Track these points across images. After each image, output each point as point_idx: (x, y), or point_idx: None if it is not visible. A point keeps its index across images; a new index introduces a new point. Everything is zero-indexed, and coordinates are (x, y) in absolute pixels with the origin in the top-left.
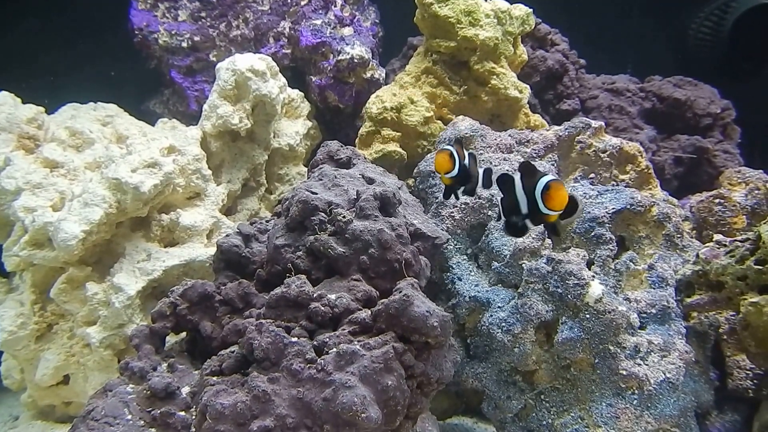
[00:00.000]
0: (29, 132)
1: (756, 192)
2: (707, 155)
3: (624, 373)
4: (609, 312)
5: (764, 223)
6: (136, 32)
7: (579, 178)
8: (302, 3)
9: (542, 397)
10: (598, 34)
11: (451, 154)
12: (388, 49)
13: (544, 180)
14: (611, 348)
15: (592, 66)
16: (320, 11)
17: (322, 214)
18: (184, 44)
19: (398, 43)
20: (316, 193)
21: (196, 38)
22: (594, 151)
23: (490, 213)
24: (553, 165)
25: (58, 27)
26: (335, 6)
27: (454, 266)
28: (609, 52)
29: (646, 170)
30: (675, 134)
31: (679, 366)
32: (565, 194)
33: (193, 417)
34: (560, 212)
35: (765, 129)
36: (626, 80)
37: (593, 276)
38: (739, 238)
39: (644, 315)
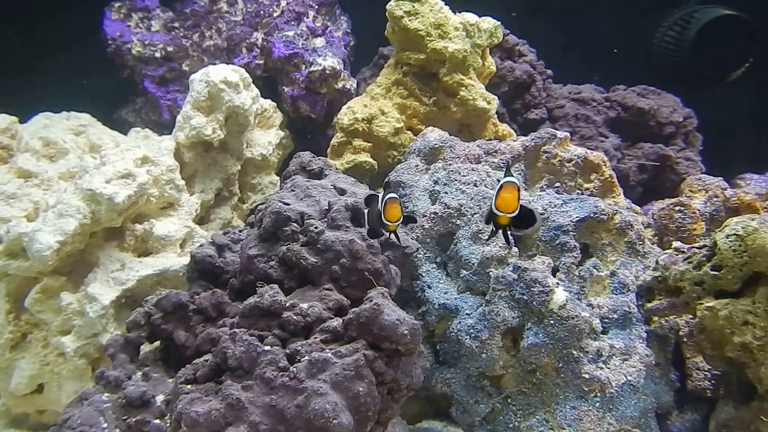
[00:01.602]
0: (3, 142)
1: (714, 199)
2: (670, 162)
3: (587, 376)
4: (572, 318)
5: (719, 231)
6: (110, 42)
7: (545, 186)
8: (275, 14)
9: (509, 400)
10: (567, 43)
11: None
12: (361, 56)
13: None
14: (574, 353)
15: (562, 74)
16: (292, 22)
17: (295, 224)
18: (158, 54)
19: (370, 49)
20: (289, 204)
21: (170, 48)
22: (559, 160)
23: (458, 222)
24: (520, 174)
25: (30, 35)
26: (307, 17)
27: (423, 274)
28: (578, 61)
29: (609, 179)
30: (639, 142)
31: (640, 369)
32: (510, 198)
33: (168, 425)
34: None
35: (726, 136)
36: (592, 90)
37: (557, 283)
38: (696, 245)
39: (606, 320)
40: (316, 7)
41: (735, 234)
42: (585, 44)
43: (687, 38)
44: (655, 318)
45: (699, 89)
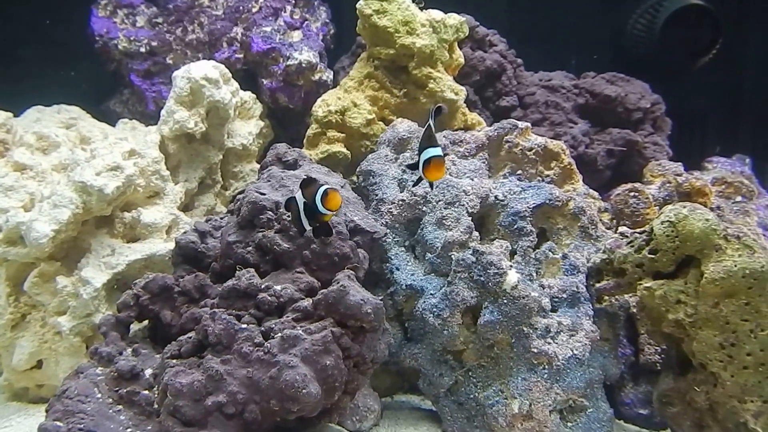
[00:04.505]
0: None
1: (667, 185)
2: (637, 147)
3: (535, 350)
4: (523, 297)
5: (656, 218)
6: (97, 39)
7: (508, 174)
8: (253, 10)
9: (470, 373)
10: (544, 30)
11: None
12: (342, 43)
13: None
14: (525, 329)
15: (539, 60)
16: (270, 18)
17: (270, 213)
18: (143, 49)
19: (352, 35)
20: (265, 194)
21: (154, 43)
22: (521, 149)
23: (424, 209)
24: (483, 163)
25: (21, 29)
26: (284, 12)
27: (392, 257)
28: (554, 47)
29: (568, 166)
30: (608, 128)
31: (585, 344)
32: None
33: (156, 395)
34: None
35: (695, 120)
36: (562, 77)
37: (510, 266)
38: (638, 230)
39: (556, 299)
40: (293, 1)
41: (668, 221)
42: (559, 31)
43: (656, 27)
44: (606, 297)
45: (668, 76)
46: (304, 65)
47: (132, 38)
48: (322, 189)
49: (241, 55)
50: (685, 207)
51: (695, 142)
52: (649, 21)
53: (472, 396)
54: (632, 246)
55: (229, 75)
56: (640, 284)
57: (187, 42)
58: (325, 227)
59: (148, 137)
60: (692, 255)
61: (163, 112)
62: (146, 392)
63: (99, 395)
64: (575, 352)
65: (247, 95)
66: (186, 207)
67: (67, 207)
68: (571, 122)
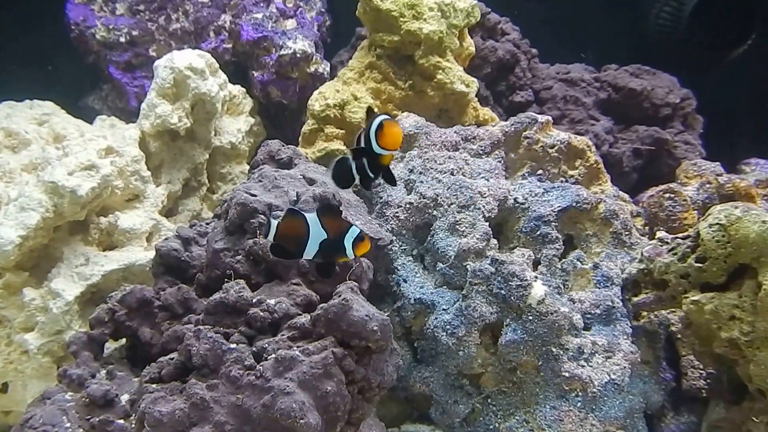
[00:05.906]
0: None
1: (707, 186)
2: (667, 147)
3: (567, 375)
4: (551, 313)
5: (703, 220)
6: (73, 27)
7: (527, 174)
8: None
9: (489, 401)
10: (558, 19)
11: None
12: (339, 36)
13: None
14: (554, 350)
15: (554, 52)
16: (261, 4)
17: (262, 216)
18: (123, 39)
19: (349, 29)
20: (256, 195)
21: (135, 33)
22: (541, 146)
23: (435, 213)
24: (500, 161)
25: None
26: None
27: (399, 267)
28: (571, 38)
29: (595, 165)
30: (633, 125)
31: (624, 367)
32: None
33: (132, 425)
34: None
35: (725, 117)
36: (581, 69)
37: (536, 277)
38: (680, 235)
39: (589, 315)
40: None
41: (718, 223)
42: (577, 20)
43: (683, 16)
44: (644, 313)
45: (697, 70)
46: (298, 55)
47: (111, 27)
48: (354, 232)
49: (230, 45)
50: (736, 207)
51: (726, 142)
52: (675, 9)
53: (491, 427)
54: (675, 254)
55: (217, 65)
56: (686, 298)
57: (170, 31)
58: (331, 266)
59: (127, 133)
60: (747, 263)
61: (143, 105)
62: (121, 421)
63: (68, 424)
64: (613, 376)
65: (236, 89)
66: (169, 211)
67: (36, 210)
68: (592, 119)
